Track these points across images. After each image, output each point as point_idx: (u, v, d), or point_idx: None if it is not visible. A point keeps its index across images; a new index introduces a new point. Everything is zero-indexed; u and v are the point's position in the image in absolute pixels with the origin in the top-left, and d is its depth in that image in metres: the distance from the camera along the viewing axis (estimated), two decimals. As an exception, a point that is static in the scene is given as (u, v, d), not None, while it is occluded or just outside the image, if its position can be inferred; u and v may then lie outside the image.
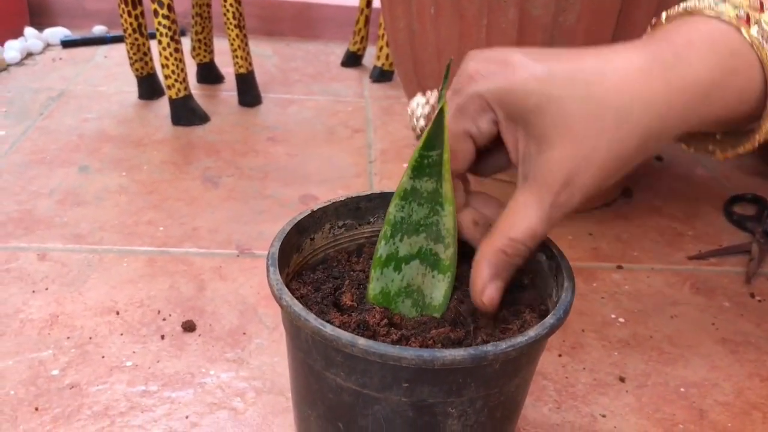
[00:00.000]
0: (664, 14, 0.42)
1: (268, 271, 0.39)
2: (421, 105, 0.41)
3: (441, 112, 0.35)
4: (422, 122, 0.41)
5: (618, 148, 0.37)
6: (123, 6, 0.98)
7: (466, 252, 0.48)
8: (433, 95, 0.41)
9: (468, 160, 0.40)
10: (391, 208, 0.39)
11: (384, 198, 0.48)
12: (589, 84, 0.36)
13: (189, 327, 0.59)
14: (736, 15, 0.38)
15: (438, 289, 0.42)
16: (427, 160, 0.37)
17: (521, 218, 0.38)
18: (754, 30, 0.38)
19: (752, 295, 0.69)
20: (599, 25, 0.61)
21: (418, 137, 0.41)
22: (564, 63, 0.37)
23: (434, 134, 0.36)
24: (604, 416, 0.53)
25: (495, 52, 0.38)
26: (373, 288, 0.41)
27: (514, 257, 0.39)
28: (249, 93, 1.06)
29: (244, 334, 0.59)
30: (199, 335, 0.58)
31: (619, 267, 0.72)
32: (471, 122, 0.38)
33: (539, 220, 0.38)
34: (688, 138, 0.45)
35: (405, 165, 0.90)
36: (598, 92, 0.36)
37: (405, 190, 0.39)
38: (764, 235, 0.77)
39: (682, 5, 0.41)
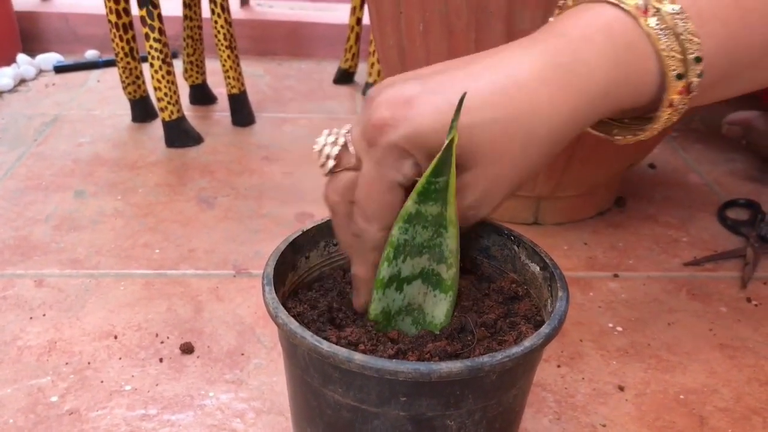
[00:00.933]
0: None
1: (263, 290, 0.39)
2: (329, 144, 0.42)
3: (451, 141, 0.35)
4: (331, 163, 0.41)
5: (524, 165, 0.39)
6: (114, 30, 0.99)
7: (464, 269, 0.48)
8: (341, 135, 0.41)
9: (398, 209, 0.40)
10: (395, 231, 0.39)
11: (378, 214, 0.48)
12: (492, 107, 0.37)
13: (187, 349, 0.59)
14: (636, 4, 0.38)
15: (439, 308, 0.42)
16: (434, 186, 0.37)
17: None
18: (652, 21, 0.38)
19: (749, 300, 0.69)
20: (586, 36, 0.61)
21: (327, 175, 0.42)
22: (461, 83, 0.37)
23: (443, 162, 0.36)
24: (604, 426, 0.53)
25: (394, 90, 0.38)
26: (374, 308, 0.42)
27: None
28: (242, 113, 1.06)
29: (243, 354, 0.59)
30: (198, 357, 0.58)
31: (615, 275, 0.72)
32: (395, 172, 0.38)
33: None
34: (594, 125, 0.45)
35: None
36: (501, 114, 0.37)
37: (409, 214, 0.39)
38: (758, 240, 0.77)
39: None
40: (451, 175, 0.37)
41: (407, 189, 0.39)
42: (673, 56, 0.38)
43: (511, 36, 0.63)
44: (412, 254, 0.40)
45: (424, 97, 0.37)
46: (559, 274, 0.42)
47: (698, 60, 0.38)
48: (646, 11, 0.38)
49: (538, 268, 0.45)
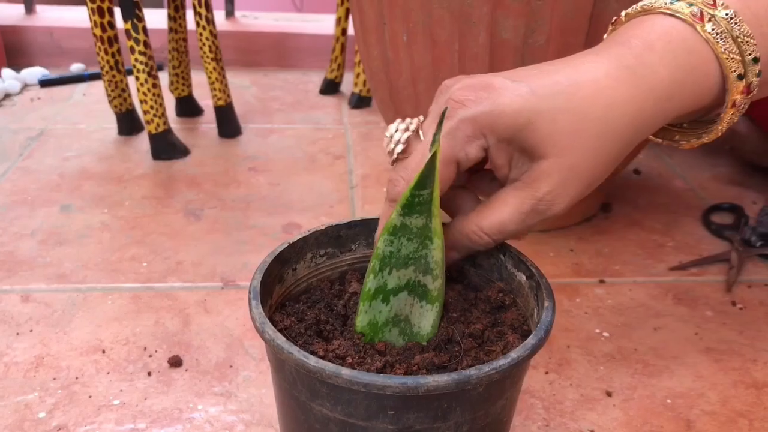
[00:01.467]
0: (623, 13, 0.44)
1: (250, 304, 0.39)
2: (400, 130, 0.42)
3: (434, 155, 0.36)
4: (400, 147, 0.42)
5: (599, 156, 0.40)
6: (99, 44, 0.99)
7: (451, 278, 0.49)
8: (413, 123, 0.42)
9: (448, 184, 0.41)
10: (380, 243, 0.40)
11: (365, 225, 0.49)
12: (569, 96, 0.39)
13: (175, 362, 0.58)
14: (691, 12, 0.40)
15: (426, 319, 0.43)
16: (418, 199, 0.38)
17: (496, 212, 0.41)
18: (708, 26, 0.39)
19: (733, 303, 0.69)
20: (568, 44, 0.62)
21: (393, 162, 0.42)
22: (541, 78, 0.39)
23: (426, 174, 0.37)
24: (592, 431, 0.53)
25: (475, 78, 0.40)
26: (361, 320, 0.42)
27: (476, 244, 0.42)
28: (228, 124, 1.06)
29: (231, 367, 0.59)
30: (186, 370, 0.58)
31: (602, 281, 0.72)
32: (460, 148, 0.40)
33: (512, 219, 0.41)
34: (656, 132, 0.46)
35: (386, 189, 0.90)
36: (578, 104, 0.39)
37: (394, 226, 0.39)
38: (742, 243, 0.78)
39: (640, 3, 0.42)
40: (435, 188, 0.38)
41: (460, 174, 0.41)
42: (732, 58, 0.39)
43: (494, 46, 0.63)
44: (398, 266, 0.41)
45: (507, 84, 0.39)
46: (545, 283, 0.42)
47: (756, 60, 0.40)
48: (701, 18, 0.39)
49: (524, 277, 0.45)
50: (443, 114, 0.36)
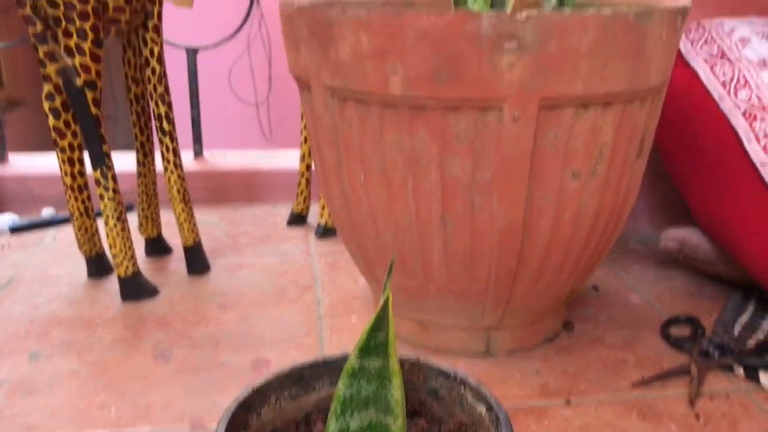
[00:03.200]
0: None
1: (215, 454, 0.40)
2: None
3: (387, 299, 0.38)
4: None
5: None
6: (69, 192, 1.02)
7: (414, 411, 0.50)
8: None
9: None
10: (340, 386, 0.41)
11: (327, 365, 0.50)
12: None
13: None
14: None
15: None
16: (374, 341, 0.40)
17: None
18: None
19: (697, 417, 0.71)
20: (513, 179, 0.66)
21: None
22: None
23: (381, 317, 0.39)
24: None
25: None
26: None
27: None
28: (197, 262, 1.08)
29: None
30: None
31: (568, 402, 0.73)
32: None
33: None
34: None
35: (354, 318, 0.91)
36: None
37: (353, 369, 0.41)
38: (701, 355, 0.80)
39: None
40: (389, 329, 0.40)
41: None
42: None
43: (445, 182, 0.67)
44: (359, 408, 0.42)
45: None
46: (504, 416, 0.44)
47: None
48: None
49: (484, 410, 0.46)
50: (392, 264, 0.39)
